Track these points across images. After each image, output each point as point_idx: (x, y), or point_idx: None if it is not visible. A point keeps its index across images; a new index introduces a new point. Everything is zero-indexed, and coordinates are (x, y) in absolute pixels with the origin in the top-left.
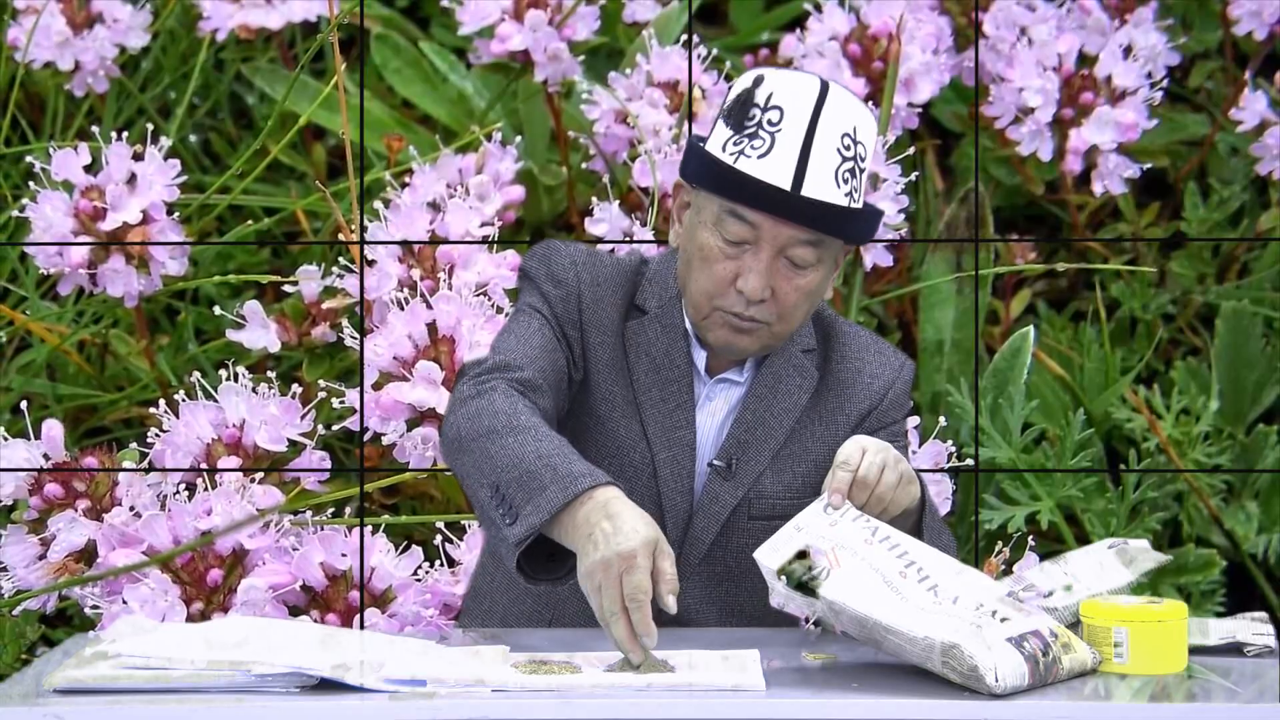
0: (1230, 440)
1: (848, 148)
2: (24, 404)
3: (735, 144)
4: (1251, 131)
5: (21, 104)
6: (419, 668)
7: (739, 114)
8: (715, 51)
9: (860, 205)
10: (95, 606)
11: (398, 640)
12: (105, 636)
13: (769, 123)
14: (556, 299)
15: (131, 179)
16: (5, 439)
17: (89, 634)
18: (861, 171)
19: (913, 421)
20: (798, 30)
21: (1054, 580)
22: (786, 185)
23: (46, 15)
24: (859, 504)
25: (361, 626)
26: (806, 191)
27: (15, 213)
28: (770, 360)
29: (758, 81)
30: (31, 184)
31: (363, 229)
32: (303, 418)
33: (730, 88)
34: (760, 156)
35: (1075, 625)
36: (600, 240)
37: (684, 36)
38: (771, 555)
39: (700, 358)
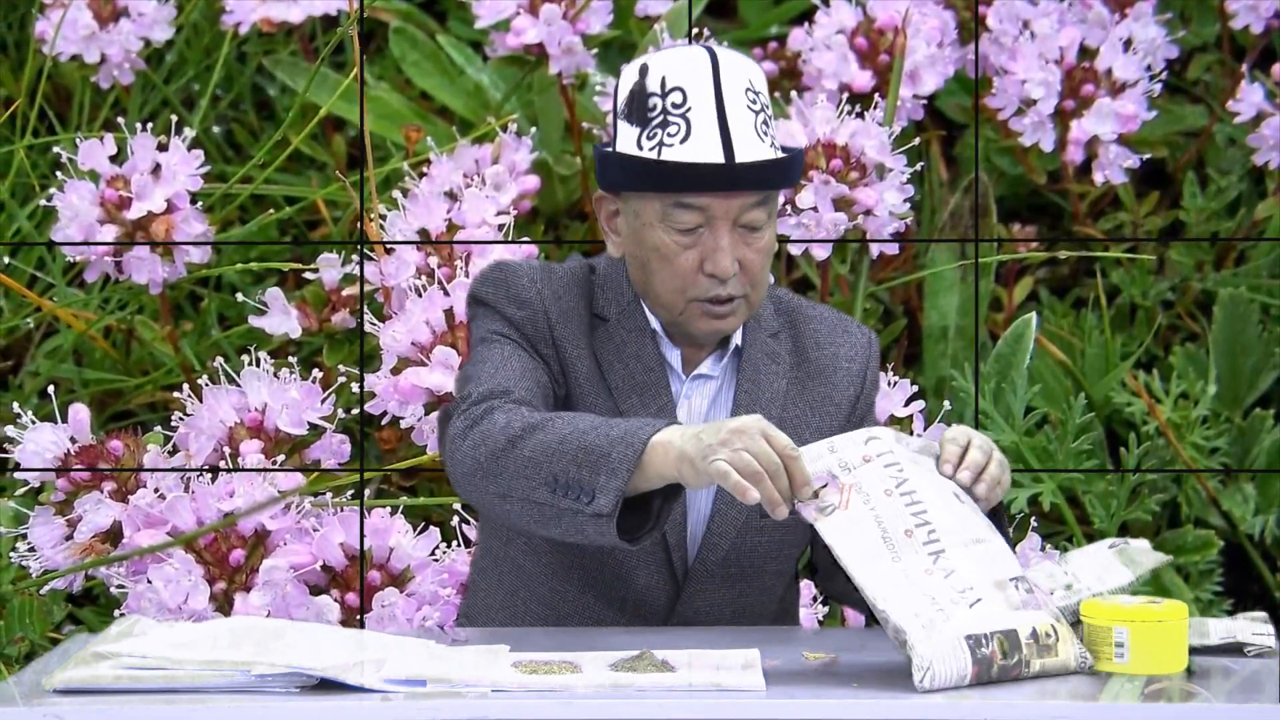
0: (1228, 424)
1: (754, 101)
2: (51, 388)
3: (649, 138)
4: (1249, 123)
5: (49, 96)
6: (419, 668)
7: (638, 108)
8: (725, 45)
9: (784, 151)
10: (120, 586)
11: (398, 640)
12: (105, 636)
13: (674, 106)
14: (523, 320)
15: (156, 169)
16: (33, 422)
17: (93, 632)
18: (771, 118)
19: (918, 406)
20: (805, 24)
21: (1054, 580)
22: (720, 159)
23: (74, 9)
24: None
25: (362, 622)
26: (740, 158)
27: (43, 202)
28: (746, 353)
29: (643, 71)
30: (59, 174)
31: (363, 226)
32: (323, 402)
33: (615, 86)
34: (682, 142)
35: (1075, 625)
36: None
37: (693, 31)
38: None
39: (674, 356)
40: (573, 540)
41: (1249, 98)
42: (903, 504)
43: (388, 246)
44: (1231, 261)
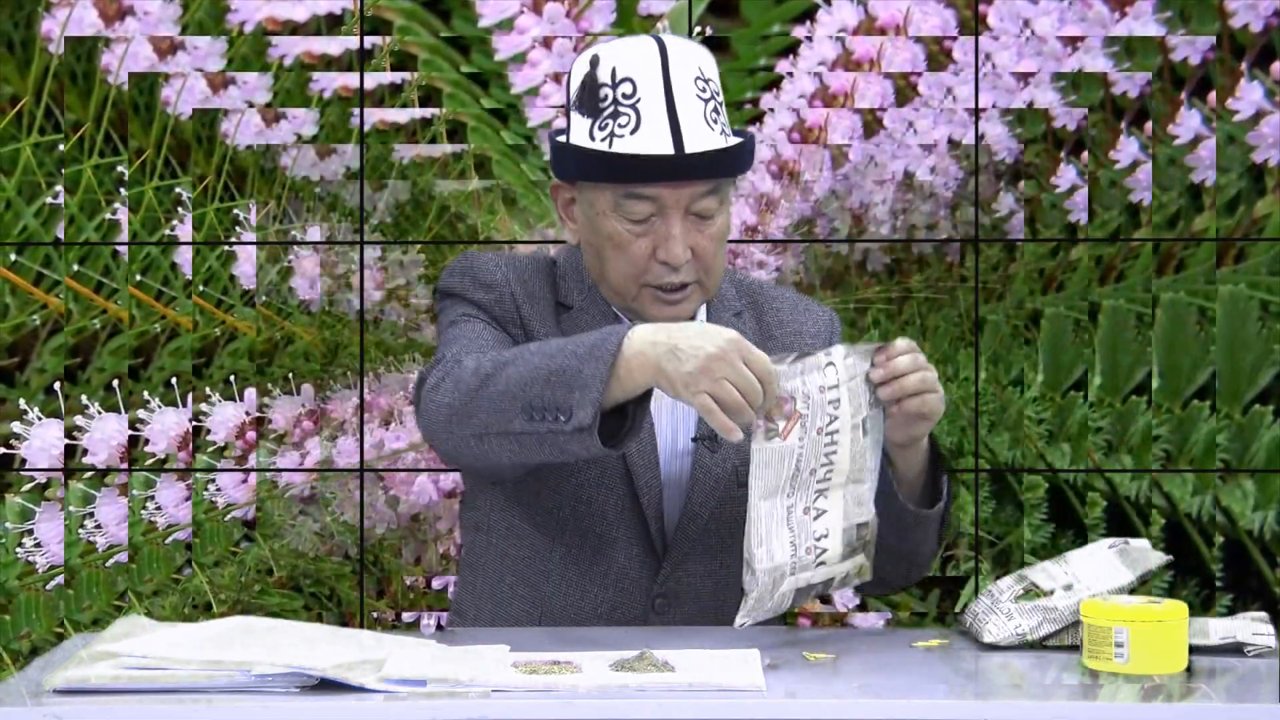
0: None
1: (703, 89)
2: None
3: (601, 128)
4: (1248, 120)
5: (55, 93)
6: (419, 668)
7: (590, 99)
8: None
9: (735, 138)
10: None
11: (398, 640)
12: (105, 636)
13: (624, 97)
14: (491, 303)
15: None
16: (39, 419)
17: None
18: (721, 105)
19: None
20: (808, 23)
21: (1054, 580)
22: (670, 150)
23: (80, 8)
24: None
25: (362, 622)
26: (690, 148)
27: (49, 200)
28: None
29: (594, 62)
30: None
31: (363, 226)
32: None
33: (569, 76)
34: (633, 133)
35: (1075, 625)
36: None
37: (694, 29)
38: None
39: None
40: (553, 460)
41: (1248, 96)
42: (823, 443)
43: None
44: (1231, 259)
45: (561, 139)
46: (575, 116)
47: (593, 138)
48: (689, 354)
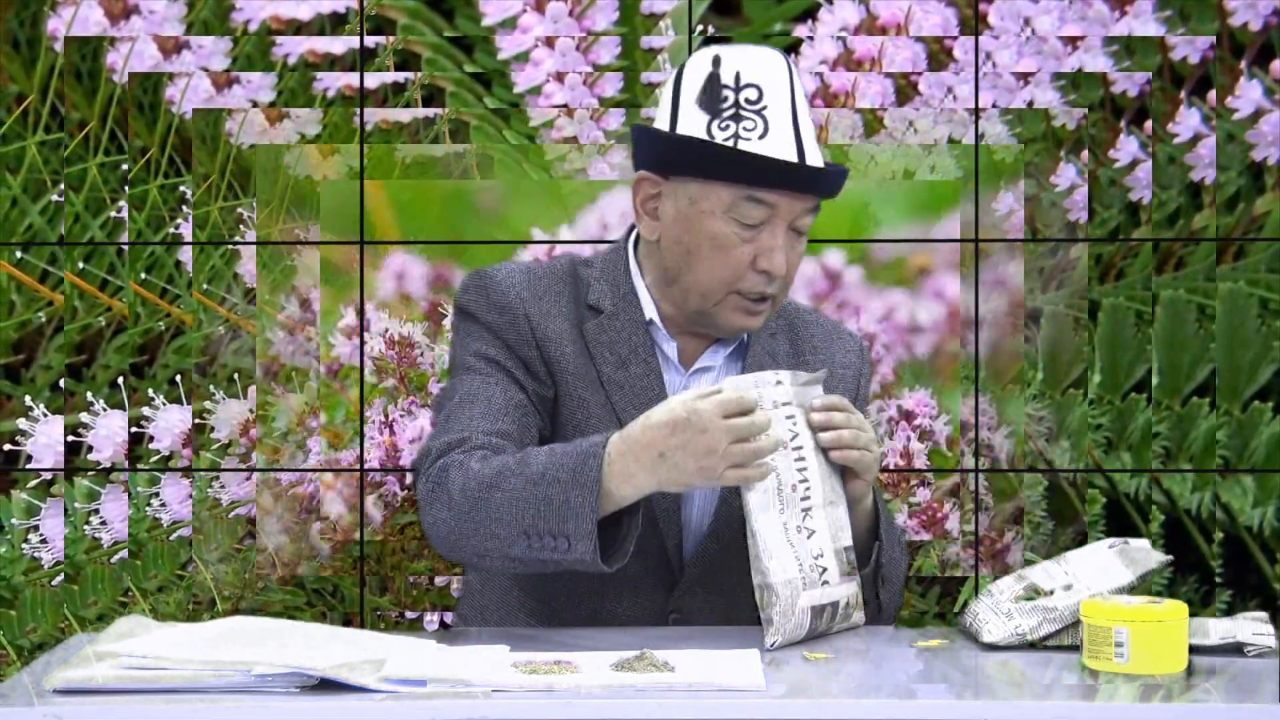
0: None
1: (808, 111)
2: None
3: (722, 128)
4: (1247, 119)
5: (60, 91)
6: (419, 668)
7: (711, 96)
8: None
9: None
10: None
11: (397, 640)
12: (105, 636)
13: (747, 101)
14: (504, 326)
15: None
16: (45, 415)
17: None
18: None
19: None
20: (809, 22)
21: (1054, 580)
22: (794, 159)
23: (85, 7)
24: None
25: (363, 620)
26: (809, 161)
27: (54, 198)
28: (751, 349)
29: (716, 62)
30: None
31: (362, 225)
32: None
33: (681, 71)
34: (760, 137)
35: (1075, 625)
36: None
37: (695, 28)
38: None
39: (671, 348)
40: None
41: (1248, 94)
42: (793, 458)
43: None
44: (1230, 257)
45: (658, 129)
46: (689, 109)
47: (712, 134)
48: (679, 451)
